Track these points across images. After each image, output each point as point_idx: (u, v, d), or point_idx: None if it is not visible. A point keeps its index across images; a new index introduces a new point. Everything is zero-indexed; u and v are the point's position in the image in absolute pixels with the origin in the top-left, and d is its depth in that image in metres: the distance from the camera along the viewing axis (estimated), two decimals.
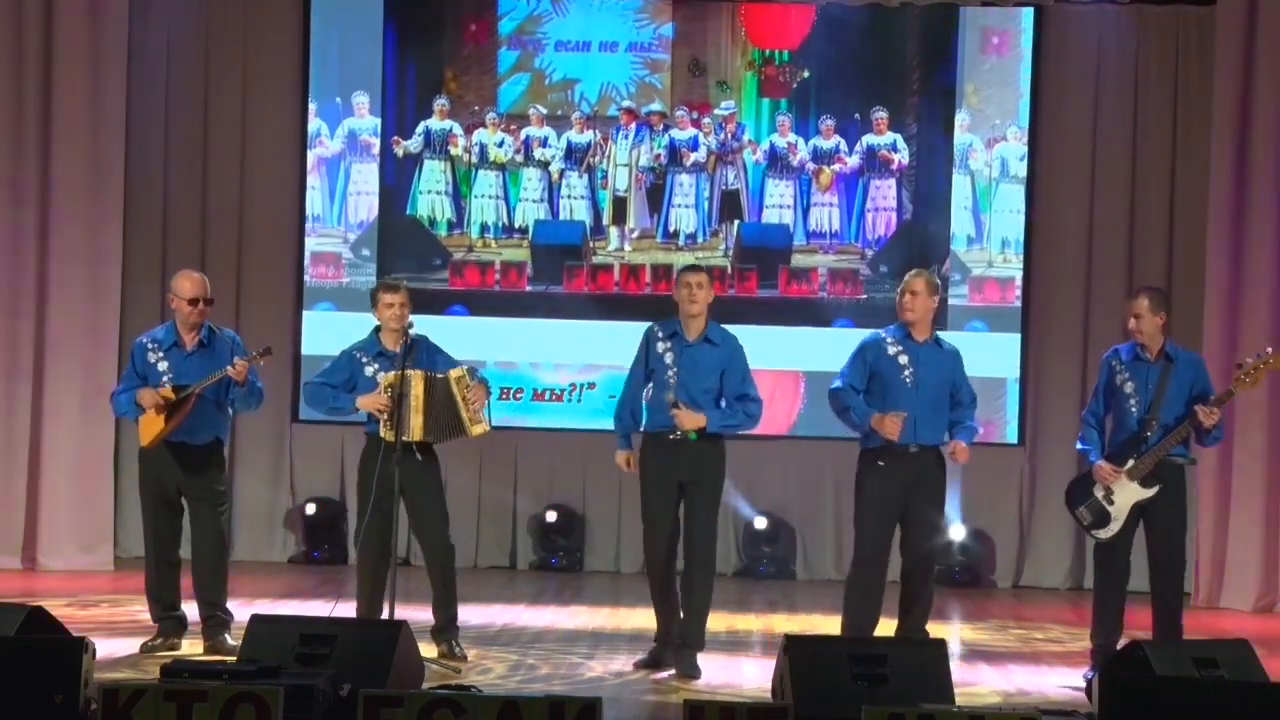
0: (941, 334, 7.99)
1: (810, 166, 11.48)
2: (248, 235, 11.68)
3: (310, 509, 11.52)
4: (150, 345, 7.93)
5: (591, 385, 11.52)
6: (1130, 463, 7.57)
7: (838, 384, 7.70)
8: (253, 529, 11.63)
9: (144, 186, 11.48)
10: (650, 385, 7.80)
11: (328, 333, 10.99)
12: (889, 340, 7.71)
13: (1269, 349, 7.73)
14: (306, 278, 11.63)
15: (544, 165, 11.54)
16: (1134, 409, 7.64)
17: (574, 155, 11.50)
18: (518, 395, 11.58)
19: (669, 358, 7.71)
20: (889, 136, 11.47)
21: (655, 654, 7.80)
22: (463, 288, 11.51)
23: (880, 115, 11.46)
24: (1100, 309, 11.43)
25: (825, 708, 5.93)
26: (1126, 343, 7.88)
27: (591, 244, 11.51)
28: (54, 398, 10.94)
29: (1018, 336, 11.50)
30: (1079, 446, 7.83)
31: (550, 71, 11.50)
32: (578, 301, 11.52)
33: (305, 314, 11.63)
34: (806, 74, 11.45)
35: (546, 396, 11.62)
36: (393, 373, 7.63)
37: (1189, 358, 7.78)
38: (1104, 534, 7.65)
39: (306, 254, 11.64)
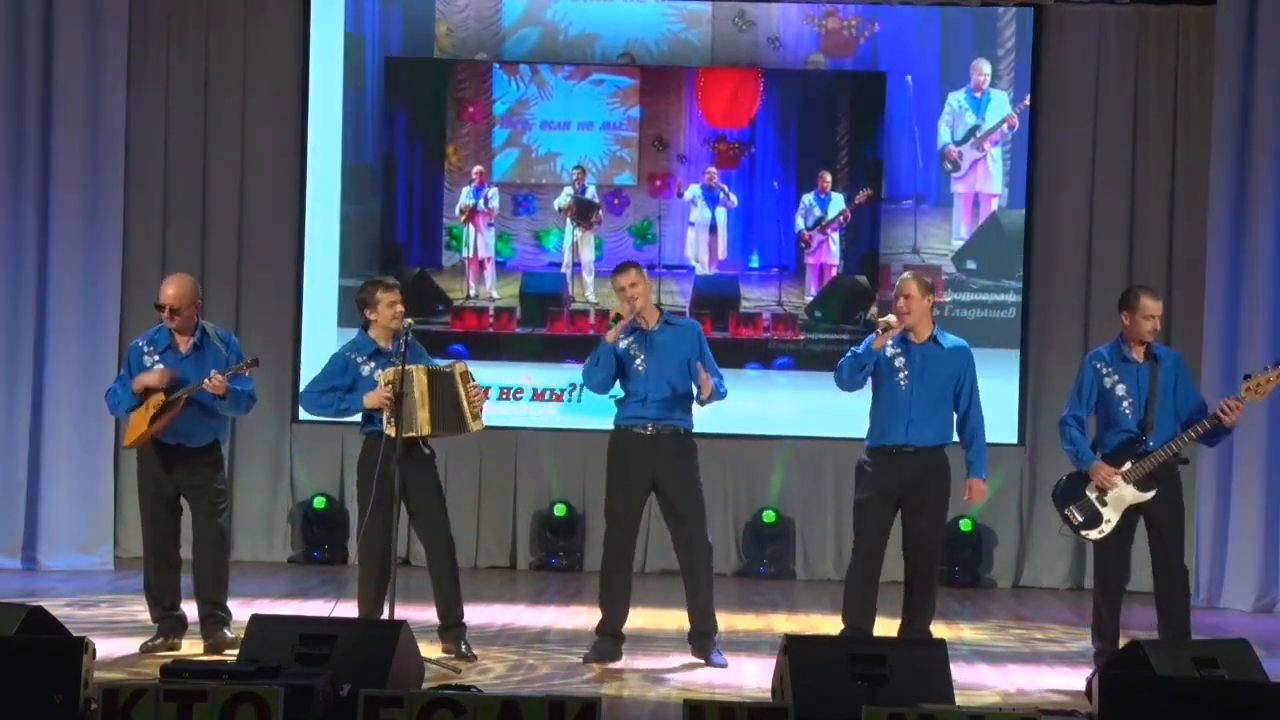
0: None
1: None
2: (248, 236, 11.68)
3: (311, 509, 11.53)
4: (146, 348, 7.93)
5: None
6: (1128, 465, 7.57)
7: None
8: (253, 529, 11.63)
9: (144, 187, 11.48)
10: (621, 382, 7.89)
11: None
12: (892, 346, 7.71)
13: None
14: None
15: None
16: (1128, 411, 7.61)
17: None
18: (518, 395, 11.59)
19: (634, 349, 7.81)
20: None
21: (600, 648, 7.85)
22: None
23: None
24: (1100, 308, 11.41)
25: (825, 708, 5.93)
26: (1106, 344, 7.87)
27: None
28: (54, 398, 10.93)
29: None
30: (1066, 448, 7.80)
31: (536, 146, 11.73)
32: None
33: (304, 314, 11.64)
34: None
35: (546, 396, 11.62)
36: (391, 369, 7.64)
37: (1169, 355, 7.78)
38: (1095, 534, 7.63)
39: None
